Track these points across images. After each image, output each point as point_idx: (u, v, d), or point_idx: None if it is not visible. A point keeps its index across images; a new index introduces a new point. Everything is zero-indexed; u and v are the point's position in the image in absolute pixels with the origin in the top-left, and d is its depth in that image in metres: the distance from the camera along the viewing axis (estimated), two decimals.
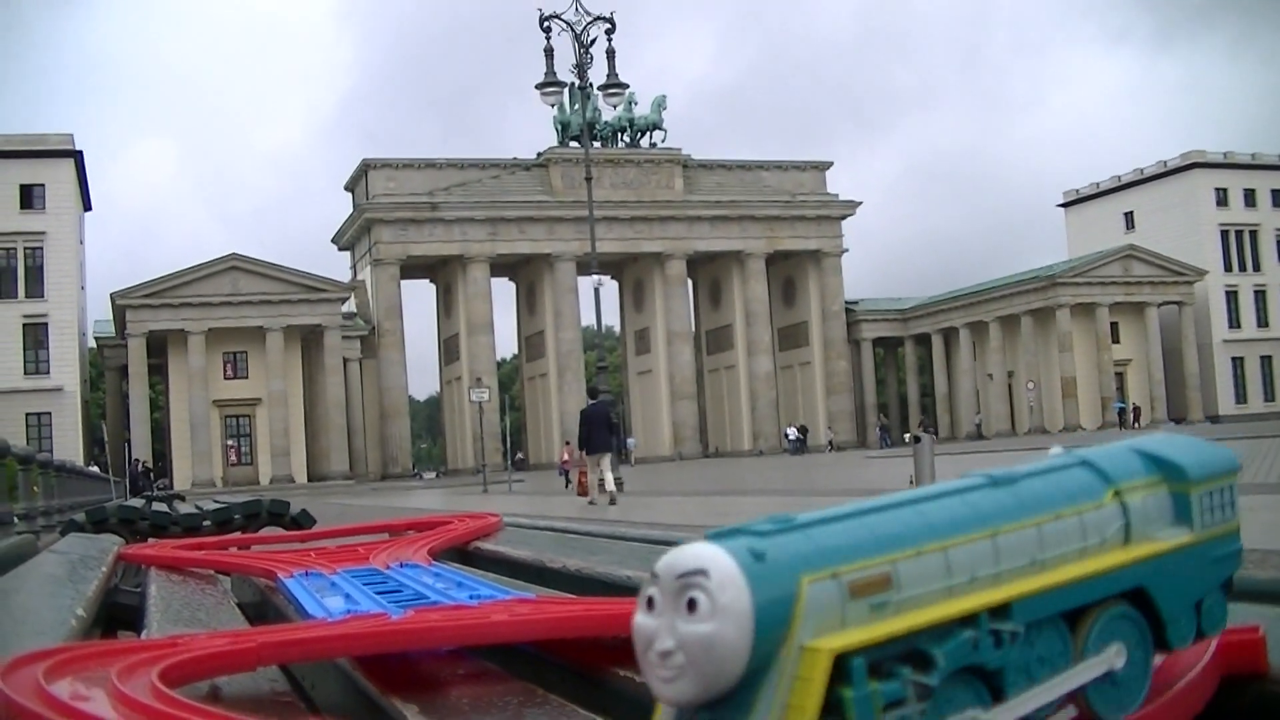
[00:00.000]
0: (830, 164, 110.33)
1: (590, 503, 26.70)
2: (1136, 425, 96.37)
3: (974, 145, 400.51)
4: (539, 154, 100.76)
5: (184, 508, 12.20)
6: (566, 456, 35.52)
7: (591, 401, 31.07)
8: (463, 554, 3.53)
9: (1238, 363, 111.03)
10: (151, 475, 75.18)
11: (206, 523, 8.66)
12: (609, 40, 39.29)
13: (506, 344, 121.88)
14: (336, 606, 2.17)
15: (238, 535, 7.73)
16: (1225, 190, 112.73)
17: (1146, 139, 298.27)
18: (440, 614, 1.81)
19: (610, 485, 27.07)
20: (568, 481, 34.79)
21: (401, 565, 2.80)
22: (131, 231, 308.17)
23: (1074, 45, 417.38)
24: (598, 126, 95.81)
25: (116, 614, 3.36)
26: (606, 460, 28.06)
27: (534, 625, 1.69)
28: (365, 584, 2.47)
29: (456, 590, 2.28)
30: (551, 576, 2.72)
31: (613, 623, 1.70)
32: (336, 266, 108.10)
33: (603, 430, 27.92)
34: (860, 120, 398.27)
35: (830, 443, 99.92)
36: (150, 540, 5.93)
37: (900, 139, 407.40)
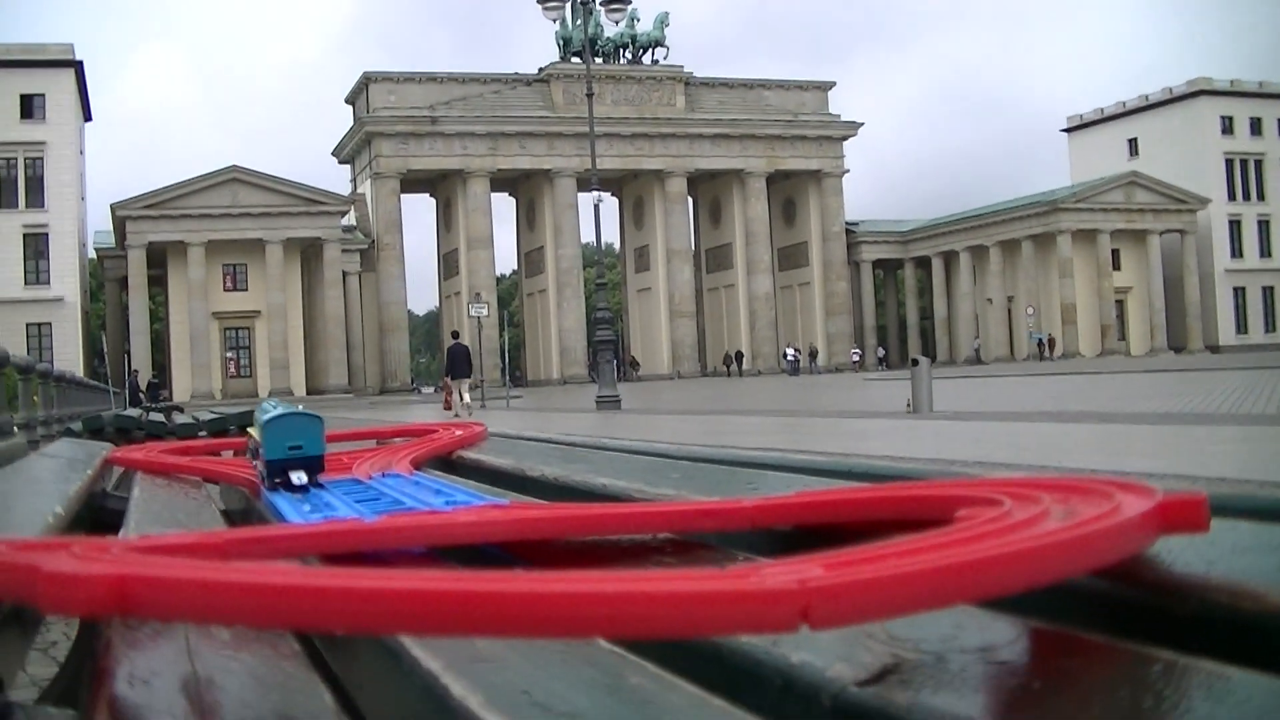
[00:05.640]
0: (833, 84, 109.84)
1: (455, 416, 32.93)
2: (1051, 356, 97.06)
3: (994, 65, 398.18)
4: (540, 69, 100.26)
5: (181, 418, 12.24)
6: (445, 382, 43.53)
7: (455, 341, 41.21)
8: (447, 463, 3.54)
9: (1239, 293, 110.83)
10: (155, 387, 75.23)
11: (202, 433, 8.70)
12: None
13: (506, 260, 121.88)
14: (315, 515, 2.20)
15: (228, 442, 7.74)
16: (1231, 118, 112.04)
17: (1171, 61, 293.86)
18: (409, 518, 1.83)
19: (467, 400, 38.43)
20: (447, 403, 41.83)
21: (384, 475, 2.82)
22: (139, 142, 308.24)
23: None
24: (600, 42, 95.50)
25: (105, 519, 3.38)
26: (464, 384, 39.38)
27: (499, 527, 1.71)
28: (345, 493, 2.50)
29: (433, 497, 2.30)
30: (531, 485, 2.74)
31: (577, 525, 1.72)
32: (343, 179, 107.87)
33: (463, 363, 39.54)
34: (882, 37, 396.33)
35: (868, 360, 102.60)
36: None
37: (921, 57, 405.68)
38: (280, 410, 2.75)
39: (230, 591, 0.93)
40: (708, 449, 2.89)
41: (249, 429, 3.20)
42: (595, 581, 0.90)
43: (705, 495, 2.01)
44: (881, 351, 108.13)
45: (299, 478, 2.59)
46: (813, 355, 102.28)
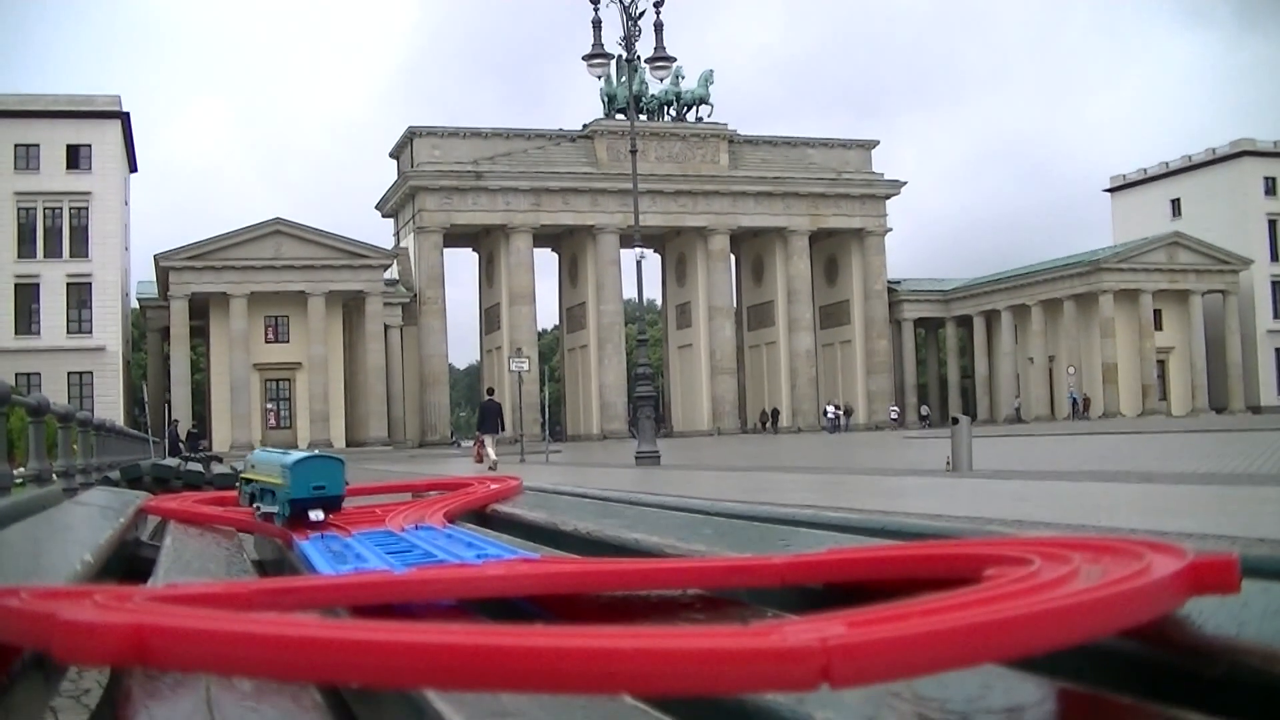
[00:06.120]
0: (876, 143, 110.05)
1: (489, 468, 32.56)
2: (1087, 415, 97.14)
3: (1038, 125, 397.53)
4: (584, 126, 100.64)
5: (219, 468, 12.25)
6: (478, 436, 45.74)
7: (488, 398, 44.20)
8: (481, 517, 3.53)
9: None
10: (195, 437, 75.42)
11: (239, 482, 8.68)
12: (657, 13, 39.05)
13: (548, 315, 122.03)
14: (346, 567, 2.20)
15: None
16: (1274, 179, 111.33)
17: (1217, 123, 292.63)
18: (437, 571, 1.82)
19: (493, 456, 38.22)
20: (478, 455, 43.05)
21: (416, 527, 2.81)
22: (183, 193, 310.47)
23: (1152, 27, 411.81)
24: (644, 100, 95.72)
25: (138, 567, 3.37)
26: (490, 439, 40.54)
27: (528, 581, 1.70)
28: (376, 545, 2.49)
29: (465, 550, 2.29)
30: (564, 539, 2.72)
31: (606, 580, 1.71)
32: (386, 232, 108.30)
33: (492, 419, 41.54)
34: (926, 96, 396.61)
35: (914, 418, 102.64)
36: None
37: (966, 116, 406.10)
38: (303, 453, 2.99)
39: (249, 643, 0.92)
40: (741, 505, 2.88)
41: (243, 476, 3.40)
42: (615, 637, 0.90)
43: (737, 552, 1.99)
44: (925, 410, 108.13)
45: (316, 515, 2.82)
46: (848, 413, 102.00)
